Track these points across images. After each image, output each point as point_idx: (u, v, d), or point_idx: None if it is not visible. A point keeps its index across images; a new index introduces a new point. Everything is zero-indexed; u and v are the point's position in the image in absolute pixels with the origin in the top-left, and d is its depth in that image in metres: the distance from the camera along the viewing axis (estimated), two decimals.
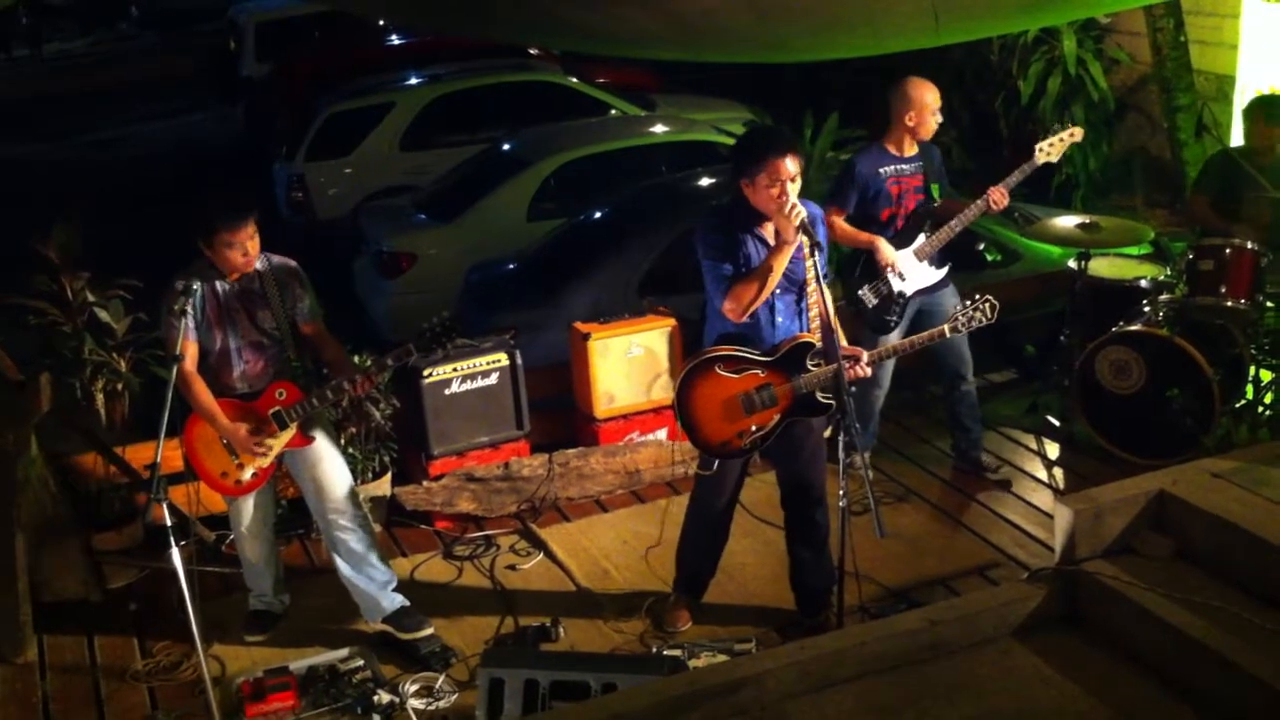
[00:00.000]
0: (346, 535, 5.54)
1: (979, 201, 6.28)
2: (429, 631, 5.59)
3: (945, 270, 6.56)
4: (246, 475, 5.42)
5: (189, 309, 5.14)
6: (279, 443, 5.38)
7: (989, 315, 5.18)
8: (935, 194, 6.51)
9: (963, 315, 5.20)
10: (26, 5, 26.25)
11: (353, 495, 5.58)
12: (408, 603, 5.64)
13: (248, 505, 5.56)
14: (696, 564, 5.70)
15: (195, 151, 17.31)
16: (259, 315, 5.35)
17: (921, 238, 6.43)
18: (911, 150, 6.44)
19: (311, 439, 5.47)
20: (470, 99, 12.72)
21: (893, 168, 6.41)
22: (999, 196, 6.26)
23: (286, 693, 5.16)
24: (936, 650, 4.74)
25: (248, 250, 5.22)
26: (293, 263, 5.49)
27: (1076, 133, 6.43)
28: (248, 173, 14.18)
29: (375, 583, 5.60)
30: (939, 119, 6.39)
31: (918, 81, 6.36)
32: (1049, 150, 6.36)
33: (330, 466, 5.53)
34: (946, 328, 5.26)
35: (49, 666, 5.67)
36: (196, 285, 5.21)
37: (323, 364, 5.52)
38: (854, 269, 6.56)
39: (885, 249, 6.36)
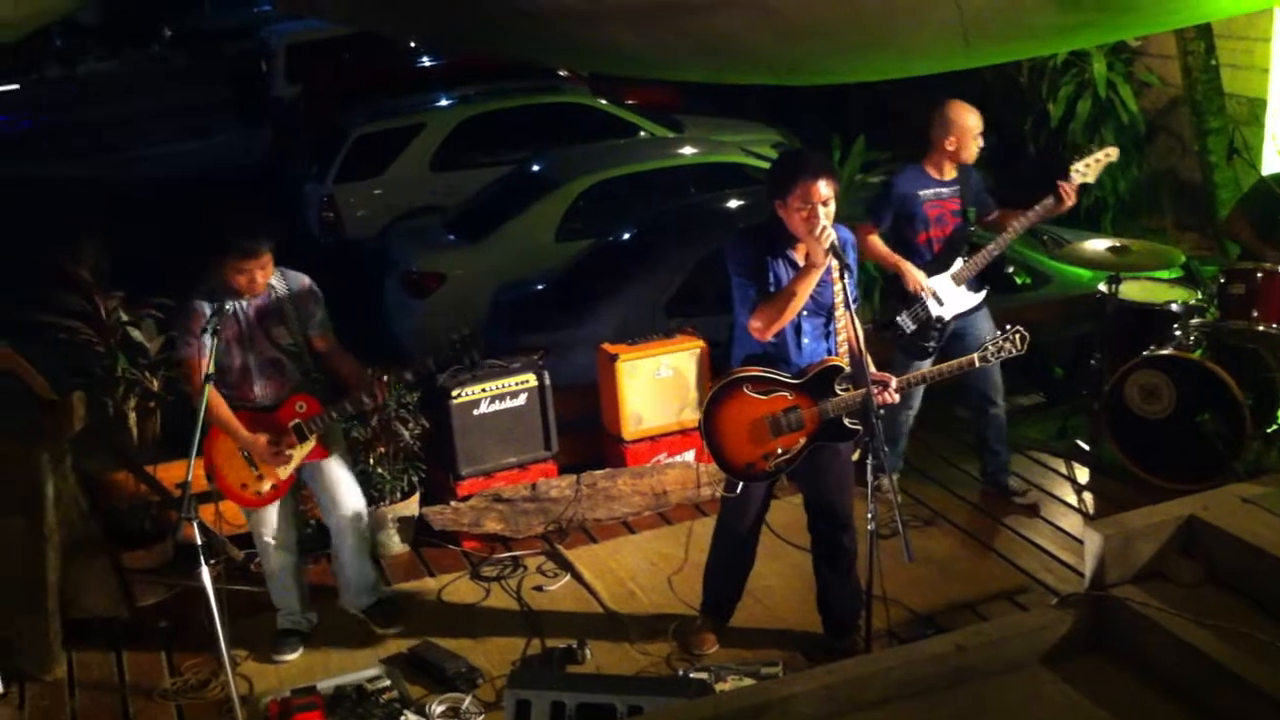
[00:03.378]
0: (350, 540, 5.80)
1: (1011, 227, 6.27)
2: (399, 629, 5.84)
3: (983, 294, 6.53)
4: (266, 487, 5.52)
5: (217, 328, 5.18)
6: (299, 454, 5.48)
7: (1019, 346, 5.20)
8: (970, 216, 6.47)
9: (992, 345, 5.21)
10: (60, 28, 26.51)
11: (358, 517, 5.79)
12: (387, 596, 5.94)
13: (269, 516, 5.64)
14: (723, 586, 5.69)
15: (225, 172, 17.41)
16: (275, 332, 5.44)
17: (959, 262, 6.40)
18: (950, 174, 6.40)
19: (331, 451, 5.57)
20: (499, 120, 12.79)
21: (931, 190, 6.36)
22: (1070, 189, 6.17)
23: (314, 712, 5.15)
24: (964, 676, 4.71)
25: (255, 279, 5.31)
26: (307, 279, 5.58)
27: (1112, 153, 6.37)
28: (276, 193, 14.27)
29: (366, 577, 5.88)
30: (980, 144, 6.33)
31: (960, 105, 6.30)
32: (1084, 171, 6.28)
33: (345, 490, 5.73)
34: (976, 358, 5.26)
35: (77, 684, 5.70)
36: (230, 305, 5.29)
37: (338, 379, 5.59)
38: (886, 293, 6.54)
39: (912, 274, 6.33)
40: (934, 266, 6.39)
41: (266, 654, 5.75)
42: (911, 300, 6.39)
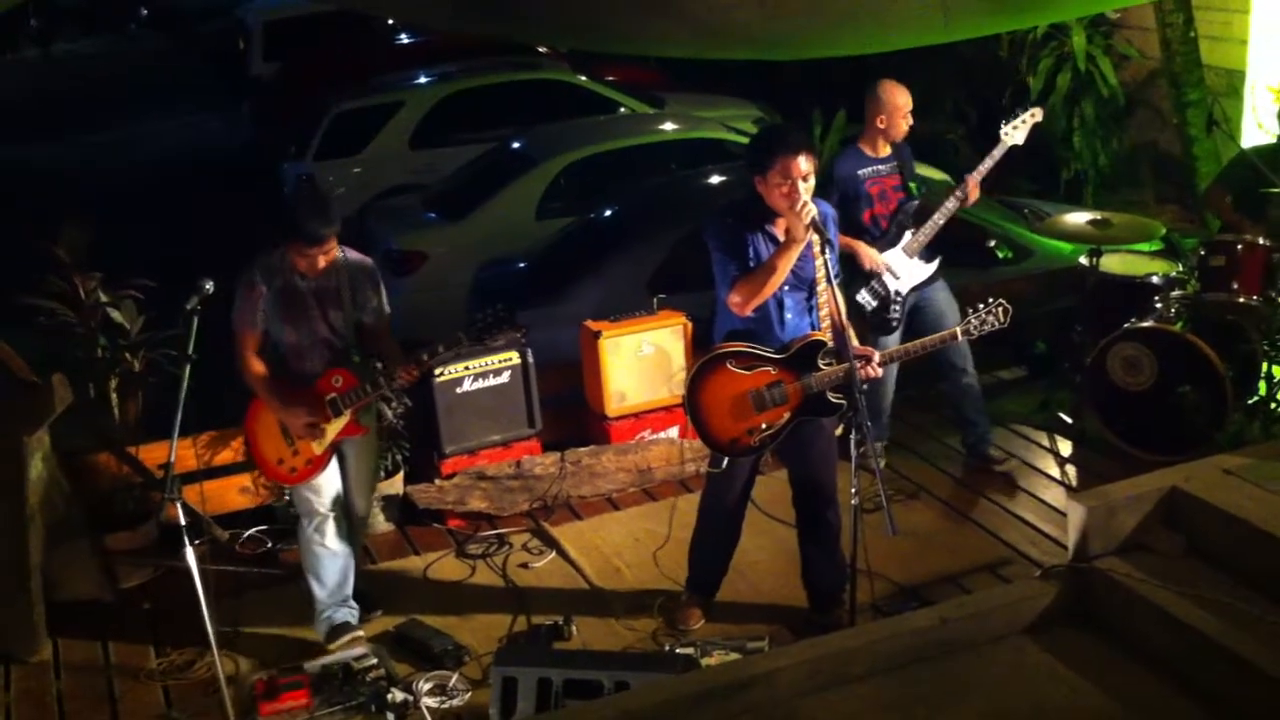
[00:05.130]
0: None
1: (954, 196, 6.40)
2: (378, 614, 5.81)
3: (935, 264, 6.61)
4: (301, 462, 5.48)
5: (199, 308, 5.15)
6: (333, 429, 5.44)
7: (1002, 320, 5.21)
8: (913, 190, 6.56)
9: (975, 319, 5.22)
10: (35, 7, 26.30)
11: (361, 519, 5.80)
12: (360, 589, 5.77)
13: (320, 485, 5.54)
14: (708, 562, 5.70)
15: (202, 151, 17.31)
16: (331, 314, 5.41)
17: (908, 235, 6.50)
18: (885, 151, 6.51)
19: (365, 428, 5.57)
20: (479, 97, 12.72)
21: (870, 169, 6.48)
22: (971, 185, 6.38)
23: (300, 691, 5.18)
24: (948, 648, 4.74)
25: (317, 263, 5.29)
26: (369, 263, 5.58)
27: (1037, 113, 6.49)
28: (255, 172, 14.20)
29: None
30: (910, 121, 6.45)
31: (889, 84, 6.43)
32: (1012, 132, 6.42)
33: (360, 489, 5.72)
34: (959, 331, 5.28)
35: (63, 666, 5.69)
36: (265, 287, 5.32)
37: (376, 356, 5.54)
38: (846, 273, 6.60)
39: (866, 253, 6.43)
40: (883, 243, 6.49)
41: (252, 634, 5.74)
42: (868, 277, 6.46)
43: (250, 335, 5.37)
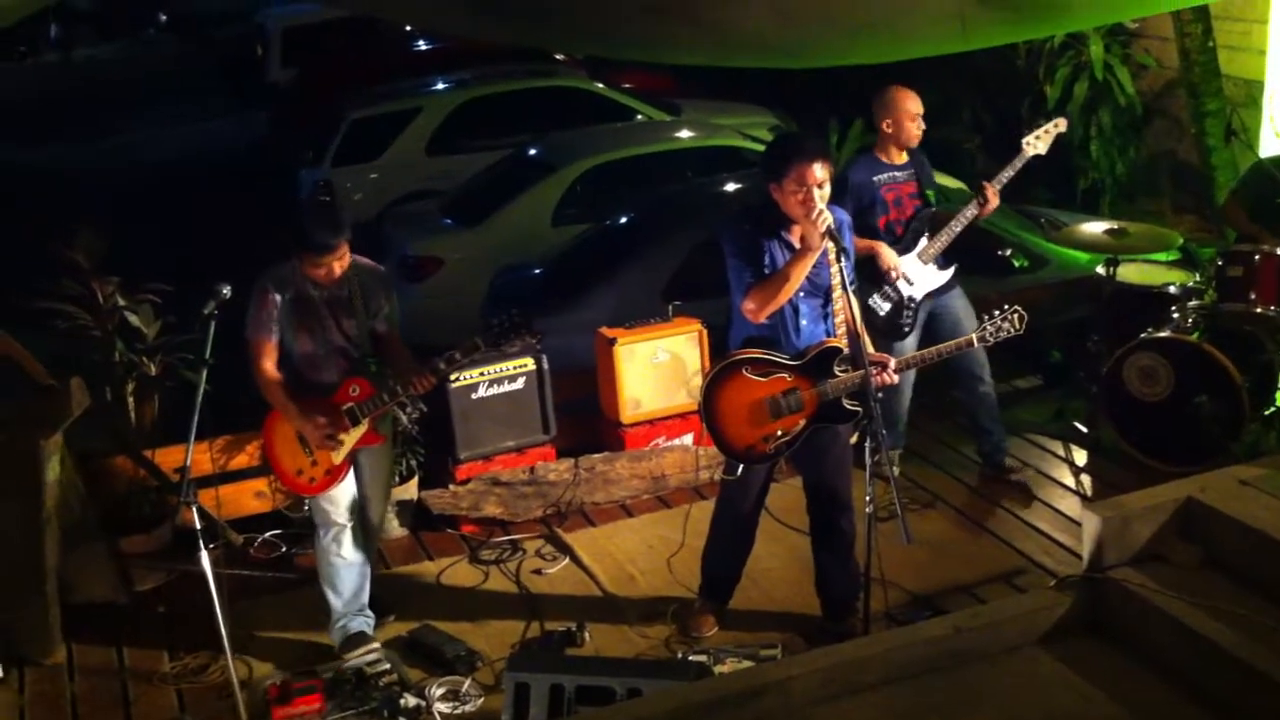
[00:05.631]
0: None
1: (974, 203, 6.36)
2: (390, 619, 5.80)
3: (951, 271, 6.58)
4: (320, 473, 5.46)
5: (215, 313, 5.16)
6: (351, 438, 5.42)
7: (1017, 326, 5.20)
8: (930, 198, 6.54)
9: (990, 326, 5.21)
10: (56, 14, 26.42)
11: (374, 529, 5.76)
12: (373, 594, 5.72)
13: (338, 495, 5.52)
14: (722, 569, 5.70)
15: (219, 156, 17.36)
16: (345, 323, 5.39)
17: (923, 241, 6.48)
18: (902, 158, 6.48)
19: (383, 436, 5.56)
20: (497, 104, 12.75)
21: (886, 175, 6.45)
22: (991, 194, 6.33)
23: (313, 696, 5.18)
24: (962, 658, 4.72)
25: (332, 271, 5.27)
26: (381, 269, 5.57)
27: (1061, 123, 6.48)
28: (272, 178, 14.24)
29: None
30: (921, 126, 6.42)
31: (898, 89, 6.40)
32: (1035, 142, 6.39)
33: (374, 500, 5.69)
34: (975, 338, 5.27)
35: (77, 668, 5.71)
36: (279, 296, 5.30)
37: (388, 364, 5.53)
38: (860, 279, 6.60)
39: (886, 253, 6.39)
40: (899, 248, 6.46)
41: (266, 638, 5.75)
42: (882, 282, 6.45)
43: (266, 344, 5.34)
